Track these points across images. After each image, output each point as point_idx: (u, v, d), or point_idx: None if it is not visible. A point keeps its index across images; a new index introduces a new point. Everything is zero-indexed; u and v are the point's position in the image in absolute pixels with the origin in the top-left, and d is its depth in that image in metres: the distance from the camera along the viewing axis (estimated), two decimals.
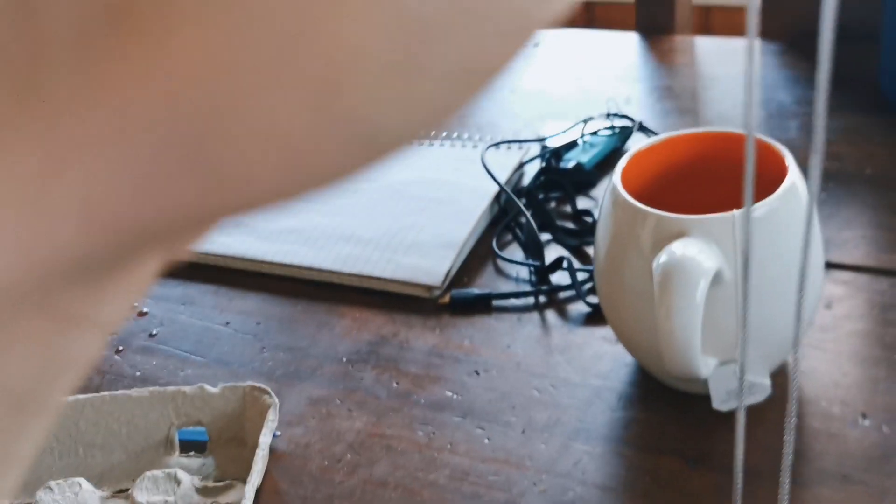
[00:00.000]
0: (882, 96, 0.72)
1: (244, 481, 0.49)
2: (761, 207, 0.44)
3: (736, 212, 0.44)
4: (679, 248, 0.43)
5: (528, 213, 0.65)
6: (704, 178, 0.52)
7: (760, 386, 0.47)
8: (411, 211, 0.69)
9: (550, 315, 0.60)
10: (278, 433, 0.54)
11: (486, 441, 0.52)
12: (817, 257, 0.47)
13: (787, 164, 0.46)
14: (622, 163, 0.49)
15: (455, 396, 0.55)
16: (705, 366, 0.45)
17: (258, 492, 0.49)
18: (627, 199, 0.46)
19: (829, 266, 0.57)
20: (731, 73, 0.83)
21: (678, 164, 0.52)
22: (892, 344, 0.53)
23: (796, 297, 0.24)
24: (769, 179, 0.46)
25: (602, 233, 0.49)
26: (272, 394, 0.53)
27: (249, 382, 0.53)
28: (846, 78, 0.75)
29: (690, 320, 0.42)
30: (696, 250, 0.43)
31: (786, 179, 0.45)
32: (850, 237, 0.60)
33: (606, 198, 0.49)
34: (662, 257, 0.43)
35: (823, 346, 0.54)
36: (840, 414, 0.50)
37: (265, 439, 0.50)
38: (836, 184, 0.65)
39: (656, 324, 0.43)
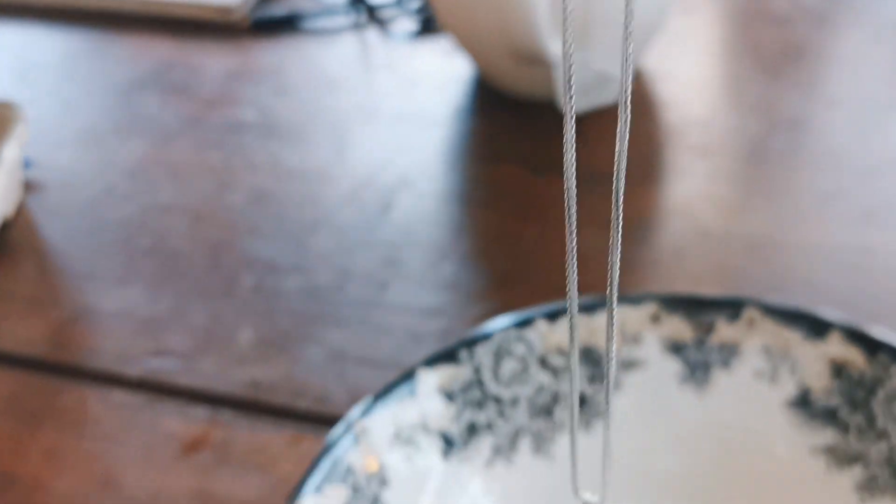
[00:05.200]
0: None
1: None
2: None
3: None
4: None
5: None
6: None
7: (611, 81, 0.48)
8: None
9: (371, 34, 0.60)
10: (32, 162, 0.49)
11: (293, 161, 0.52)
12: None
13: None
14: None
15: (256, 118, 0.55)
16: (554, 45, 0.48)
17: (6, 227, 0.45)
18: None
19: None
20: None
21: None
22: (752, 43, 0.58)
23: None
24: None
25: None
26: (17, 107, 0.47)
27: None
28: None
29: None
30: None
31: None
32: None
33: None
34: None
35: (682, 46, 0.58)
36: (699, 114, 0.54)
37: (11, 153, 0.43)
38: None
39: None
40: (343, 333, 0.46)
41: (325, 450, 0.33)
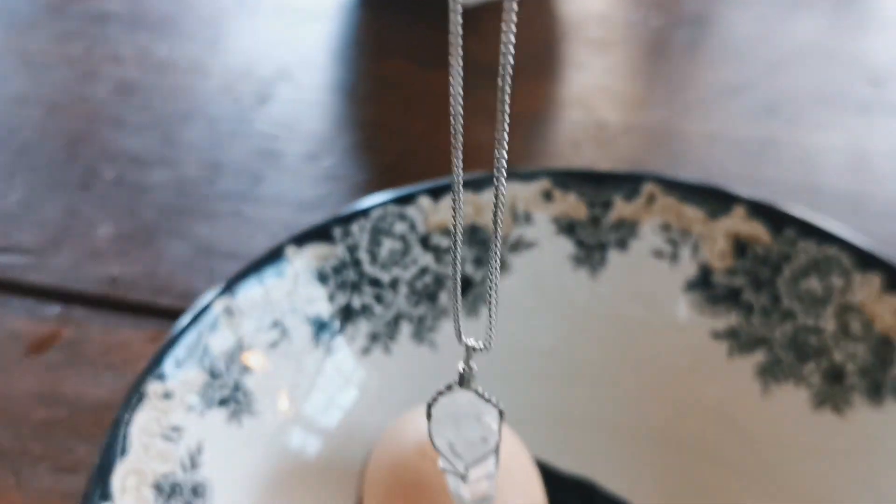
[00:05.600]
0: None
1: None
2: None
3: None
4: None
5: None
6: None
7: None
8: None
9: None
10: None
11: (163, 53, 0.51)
12: None
13: None
14: None
15: (123, 9, 0.54)
16: None
17: None
18: None
19: None
20: None
21: None
22: None
23: None
24: None
25: None
26: None
27: None
28: None
29: None
30: None
31: None
32: None
33: None
34: None
35: None
36: (598, 8, 0.54)
37: None
38: None
39: None
40: (212, 228, 0.42)
41: (180, 332, 0.29)
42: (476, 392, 0.23)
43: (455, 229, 0.20)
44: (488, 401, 0.23)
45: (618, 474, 0.32)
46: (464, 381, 0.23)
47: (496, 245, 0.20)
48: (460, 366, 0.23)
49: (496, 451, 0.24)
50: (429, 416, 0.23)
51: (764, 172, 0.44)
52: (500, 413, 0.23)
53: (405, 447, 0.28)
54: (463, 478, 0.24)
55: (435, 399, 0.23)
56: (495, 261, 0.20)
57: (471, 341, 0.22)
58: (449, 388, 0.23)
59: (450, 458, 0.24)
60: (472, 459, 0.24)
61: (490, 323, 0.21)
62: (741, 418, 0.32)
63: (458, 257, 0.19)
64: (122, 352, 0.37)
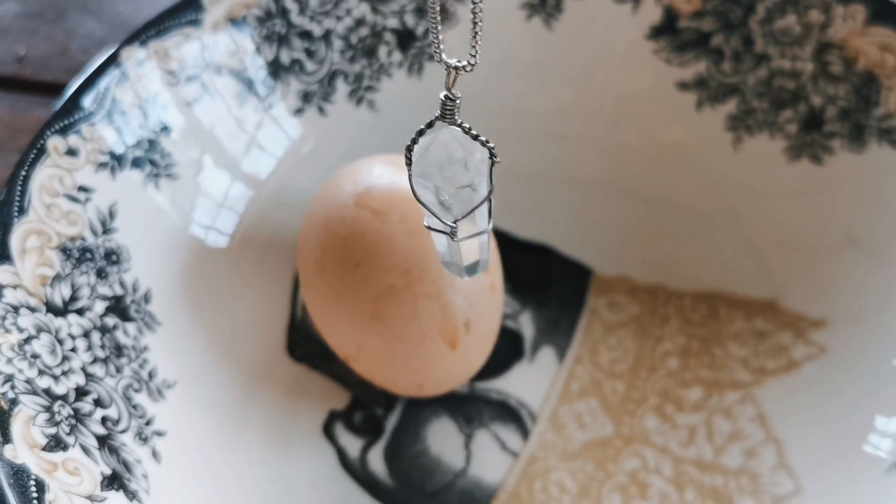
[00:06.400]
0: None
1: None
2: None
3: None
4: None
5: None
6: None
7: None
8: None
9: None
10: None
11: None
12: None
13: None
14: None
15: None
16: None
17: None
18: None
19: None
20: None
21: None
22: None
23: None
24: None
25: None
26: None
27: None
28: None
29: None
30: None
31: None
32: None
33: None
34: None
35: None
36: None
37: None
38: None
39: None
40: (130, 3, 0.38)
41: (83, 84, 0.26)
42: (462, 128, 0.19)
43: None
44: (476, 137, 0.19)
45: (577, 236, 0.30)
46: (447, 113, 0.19)
47: None
48: (442, 94, 0.19)
49: (489, 202, 0.19)
50: (408, 162, 0.19)
51: None
52: (492, 155, 0.19)
53: (342, 199, 0.25)
54: (452, 235, 0.20)
55: (414, 140, 0.19)
56: None
57: (454, 60, 0.18)
58: (430, 125, 0.19)
59: (437, 213, 0.19)
60: (460, 212, 0.19)
61: (475, 34, 0.18)
62: (710, 170, 0.29)
63: None
64: (32, 133, 0.34)
